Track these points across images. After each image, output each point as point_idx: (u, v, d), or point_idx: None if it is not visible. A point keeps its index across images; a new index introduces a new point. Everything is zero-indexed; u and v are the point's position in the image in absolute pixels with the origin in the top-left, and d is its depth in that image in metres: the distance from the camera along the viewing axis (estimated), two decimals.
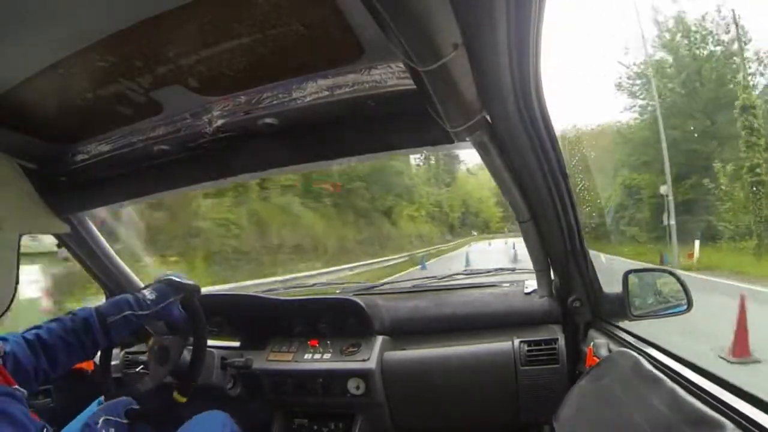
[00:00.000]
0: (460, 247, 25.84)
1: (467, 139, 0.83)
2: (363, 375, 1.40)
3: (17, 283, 0.96)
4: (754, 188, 12.17)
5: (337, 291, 1.83)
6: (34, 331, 1.02)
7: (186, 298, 1.25)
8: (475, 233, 36.41)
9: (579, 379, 1.08)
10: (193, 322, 1.27)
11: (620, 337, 1.15)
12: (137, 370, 1.48)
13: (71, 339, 1.04)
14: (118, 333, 1.13)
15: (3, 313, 0.94)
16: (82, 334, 1.05)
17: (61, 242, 1.54)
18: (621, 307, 1.26)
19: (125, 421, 1.13)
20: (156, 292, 1.20)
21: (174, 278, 1.26)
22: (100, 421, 1.06)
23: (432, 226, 28.01)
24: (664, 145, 13.62)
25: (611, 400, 0.88)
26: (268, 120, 1.02)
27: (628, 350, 0.99)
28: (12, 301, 0.95)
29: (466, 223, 37.18)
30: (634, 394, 0.82)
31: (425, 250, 19.56)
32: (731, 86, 14.05)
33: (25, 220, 1.04)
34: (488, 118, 0.81)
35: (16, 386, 0.82)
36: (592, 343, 1.18)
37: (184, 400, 1.21)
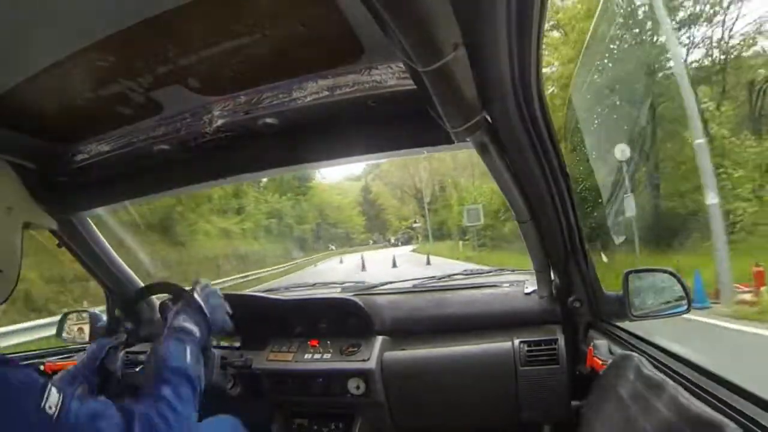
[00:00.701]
0: (303, 267, 19.85)
1: (467, 139, 0.83)
2: (363, 375, 1.40)
3: (20, 271, 0.96)
4: None
5: (338, 291, 1.83)
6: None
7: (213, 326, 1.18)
8: (333, 247, 30.73)
9: (590, 391, 1.09)
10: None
11: (620, 338, 1.15)
12: (137, 370, 1.48)
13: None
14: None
15: (4, 300, 0.94)
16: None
17: (62, 242, 1.54)
18: (621, 307, 1.25)
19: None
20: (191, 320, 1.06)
21: (203, 306, 1.11)
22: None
23: (268, 242, 22.19)
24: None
25: (622, 410, 0.87)
26: (268, 120, 1.02)
27: (629, 353, 0.98)
28: (14, 288, 0.95)
29: (321, 237, 31.03)
30: (641, 400, 0.82)
31: (230, 279, 13.09)
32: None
33: (25, 210, 1.04)
34: (488, 118, 0.81)
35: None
36: (592, 344, 1.18)
37: None
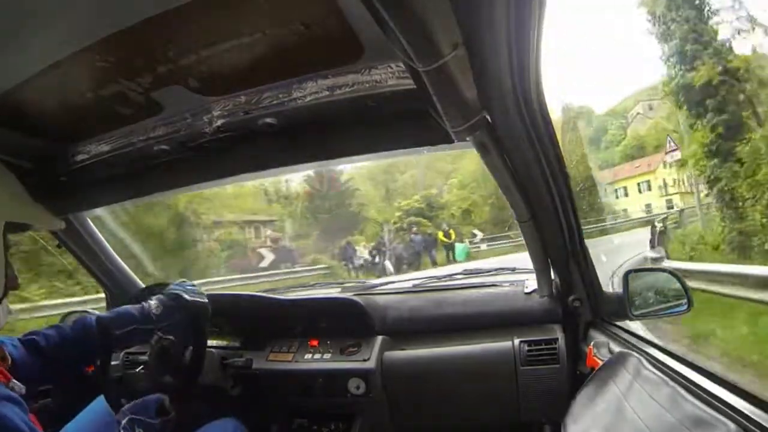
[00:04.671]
0: None
1: (467, 138, 0.83)
2: (363, 375, 1.40)
3: (7, 276, 0.95)
4: None
5: (338, 291, 1.83)
6: (31, 336, 1.01)
7: (194, 319, 1.23)
8: None
9: (583, 385, 1.08)
10: (193, 349, 1.26)
11: (620, 337, 1.15)
12: (137, 370, 1.48)
13: (68, 347, 1.03)
14: (122, 345, 1.16)
15: (2, 298, 0.94)
16: (80, 344, 1.04)
17: (61, 242, 1.55)
18: (621, 306, 1.25)
19: (156, 421, 1.06)
20: (162, 307, 1.16)
21: (183, 294, 1.22)
22: (124, 421, 1.00)
23: None
24: None
25: (615, 404, 0.87)
26: (268, 120, 1.02)
27: (629, 351, 0.98)
28: (5, 295, 0.94)
29: None
30: (637, 397, 0.82)
31: None
32: None
33: (9, 211, 1.03)
34: (488, 117, 0.81)
35: (13, 380, 0.82)
36: (592, 343, 1.18)
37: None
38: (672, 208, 16.50)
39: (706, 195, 9.31)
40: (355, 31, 0.80)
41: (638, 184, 20.22)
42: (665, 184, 18.75)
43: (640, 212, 18.76)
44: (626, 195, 20.27)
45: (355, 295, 1.64)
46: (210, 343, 1.34)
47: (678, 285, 1.24)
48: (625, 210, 19.47)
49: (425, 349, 1.43)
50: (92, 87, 0.95)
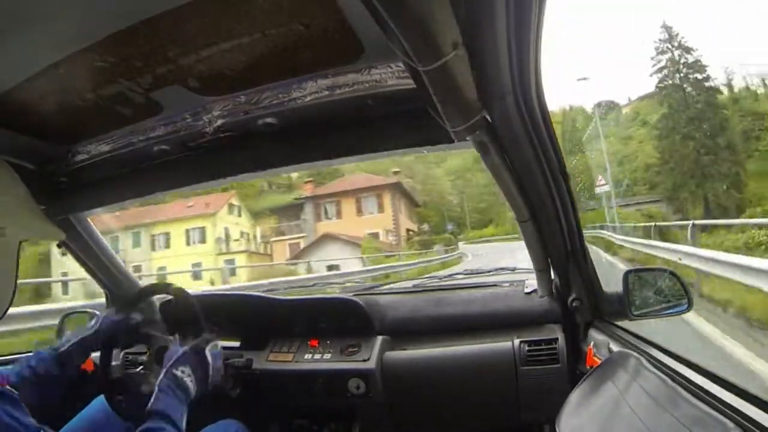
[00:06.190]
0: None
1: (467, 138, 0.83)
2: (363, 375, 1.40)
3: (15, 289, 0.97)
4: None
5: (337, 291, 1.83)
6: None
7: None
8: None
9: (579, 382, 1.08)
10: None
11: (620, 337, 1.15)
12: (137, 370, 1.48)
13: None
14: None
15: (1, 316, 0.95)
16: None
17: (61, 243, 1.54)
18: (621, 306, 1.26)
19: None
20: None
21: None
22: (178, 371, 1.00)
23: None
24: None
25: (612, 401, 0.87)
26: (268, 120, 1.02)
27: (628, 351, 0.98)
28: (9, 307, 0.95)
29: None
30: (635, 395, 0.82)
31: None
32: None
33: (25, 227, 1.05)
34: (488, 117, 0.81)
35: (6, 385, 0.83)
36: (592, 343, 1.18)
37: None
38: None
39: None
40: (355, 31, 0.80)
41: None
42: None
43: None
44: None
45: (355, 295, 1.64)
46: None
47: (678, 285, 1.24)
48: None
49: (425, 349, 1.43)
50: (92, 87, 0.95)
